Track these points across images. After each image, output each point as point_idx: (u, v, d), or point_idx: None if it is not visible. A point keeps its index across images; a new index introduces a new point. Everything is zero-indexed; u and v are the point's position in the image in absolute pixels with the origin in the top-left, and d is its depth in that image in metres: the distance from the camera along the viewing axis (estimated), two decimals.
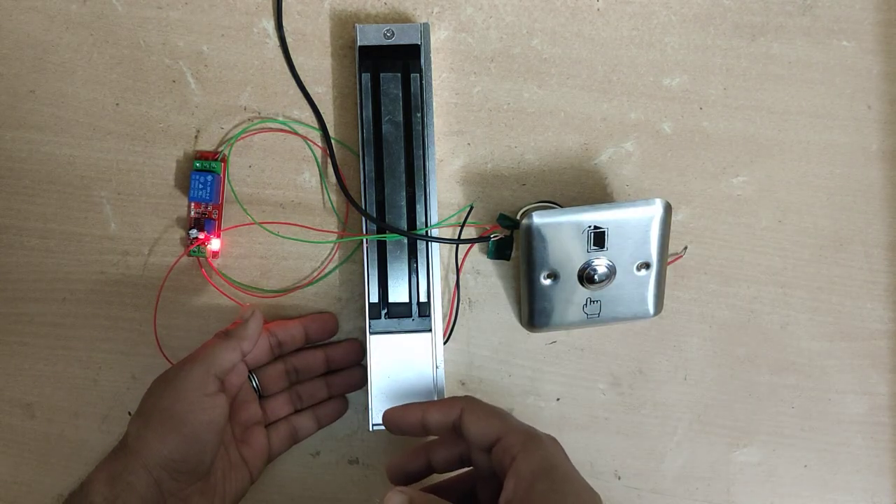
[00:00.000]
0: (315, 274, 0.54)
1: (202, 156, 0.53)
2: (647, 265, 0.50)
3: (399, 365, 0.51)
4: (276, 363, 0.52)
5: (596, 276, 0.50)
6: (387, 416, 0.46)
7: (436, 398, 0.51)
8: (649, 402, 0.55)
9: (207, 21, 0.54)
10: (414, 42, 0.51)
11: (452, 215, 0.54)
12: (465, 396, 0.44)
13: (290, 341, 0.51)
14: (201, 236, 0.52)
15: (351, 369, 0.54)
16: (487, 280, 0.54)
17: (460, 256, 0.54)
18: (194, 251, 0.53)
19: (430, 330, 0.51)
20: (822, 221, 0.55)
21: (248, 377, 0.51)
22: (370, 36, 0.51)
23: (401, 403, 0.46)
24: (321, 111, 0.54)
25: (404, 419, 0.45)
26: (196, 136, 0.54)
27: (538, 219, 0.48)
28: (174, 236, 0.54)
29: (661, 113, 0.55)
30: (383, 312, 0.51)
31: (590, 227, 0.49)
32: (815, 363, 0.55)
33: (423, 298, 0.51)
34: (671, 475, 0.55)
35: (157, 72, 0.54)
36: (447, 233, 0.54)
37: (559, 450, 0.42)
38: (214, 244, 0.53)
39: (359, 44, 0.51)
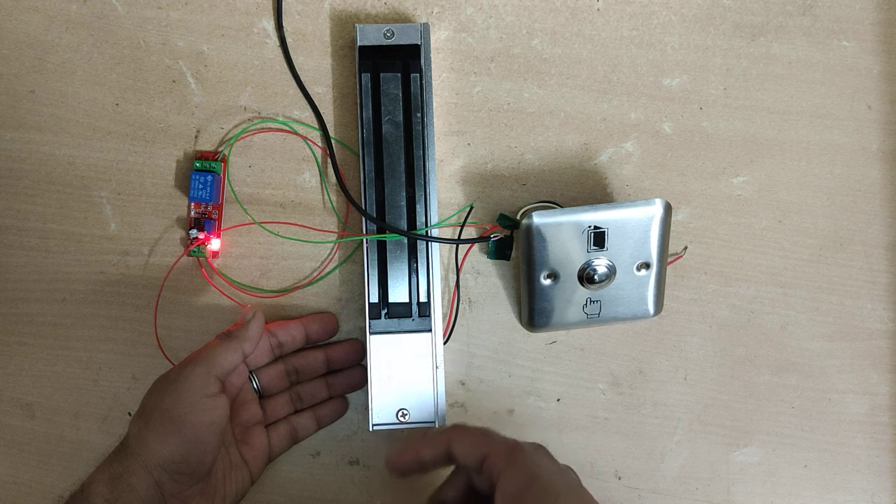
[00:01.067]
0: (315, 274, 0.54)
1: (202, 156, 0.53)
2: (647, 265, 0.50)
3: (399, 365, 0.51)
4: (276, 363, 0.52)
5: (596, 276, 0.50)
6: (388, 463, 0.44)
7: (435, 400, 0.51)
8: (649, 402, 0.55)
9: (207, 21, 0.54)
10: (414, 42, 0.51)
11: (452, 215, 0.54)
12: (452, 426, 0.44)
13: (290, 342, 0.51)
14: (201, 236, 0.52)
15: (351, 369, 0.54)
16: (487, 280, 0.54)
17: (460, 256, 0.54)
18: (194, 251, 0.53)
19: (430, 330, 0.51)
20: (822, 221, 0.55)
21: (249, 377, 0.51)
22: (370, 36, 0.51)
23: (394, 446, 0.44)
24: (321, 111, 0.54)
25: (403, 462, 0.44)
26: (196, 136, 0.54)
27: (538, 219, 0.48)
28: (174, 236, 0.54)
29: (661, 113, 0.55)
30: (383, 312, 0.51)
31: (590, 227, 0.49)
32: (815, 363, 0.55)
33: (423, 298, 0.51)
34: (671, 475, 0.55)
35: (157, 72, 0.54)
36: (447, 233, 0.54)
37: (543, 458, 0.42)
38: (214, 244, 0.53)
39: (359, 44, 0.51)
